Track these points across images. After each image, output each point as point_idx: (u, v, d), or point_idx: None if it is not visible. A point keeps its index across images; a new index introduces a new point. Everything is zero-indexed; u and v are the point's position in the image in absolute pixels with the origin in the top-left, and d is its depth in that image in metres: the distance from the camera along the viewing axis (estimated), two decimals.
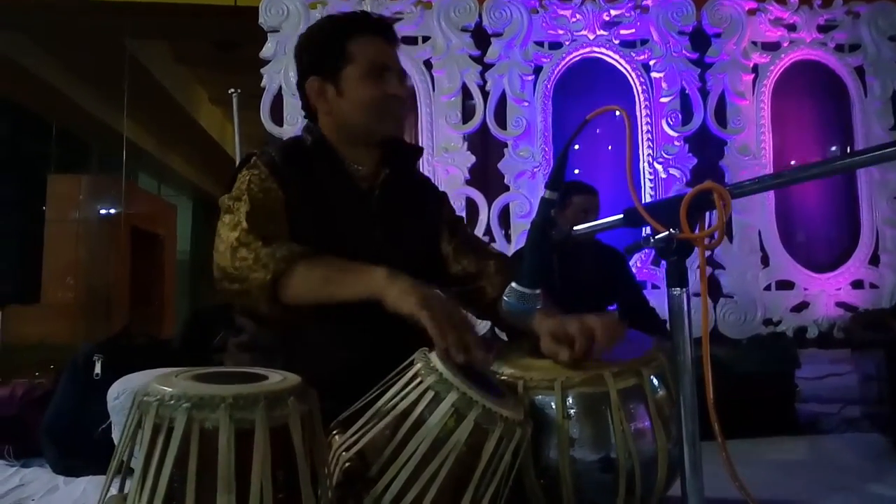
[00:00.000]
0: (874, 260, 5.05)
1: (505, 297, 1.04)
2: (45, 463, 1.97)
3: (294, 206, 1.34)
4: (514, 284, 1.04)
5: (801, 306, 5.02)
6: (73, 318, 8.19)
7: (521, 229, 4.86)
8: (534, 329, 1.22)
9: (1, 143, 6.31)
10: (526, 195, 4.88)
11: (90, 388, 1.89)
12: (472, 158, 4.97)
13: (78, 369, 1.98)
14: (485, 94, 5.02)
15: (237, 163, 4.12)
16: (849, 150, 5.30)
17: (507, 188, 4.94)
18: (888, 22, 5.23)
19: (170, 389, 0.75)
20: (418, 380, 0.98)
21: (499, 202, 4.92)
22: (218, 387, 0.77)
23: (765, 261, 5.04)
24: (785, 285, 5.05)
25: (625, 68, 5.15)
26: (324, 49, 1.39)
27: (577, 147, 5.39)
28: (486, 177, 5.02)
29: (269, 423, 0.75)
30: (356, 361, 1.17)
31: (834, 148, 5.45)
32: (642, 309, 2.97)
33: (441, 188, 5.04)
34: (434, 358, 1.02)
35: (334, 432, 1.02)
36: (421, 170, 5.00)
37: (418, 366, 1.01)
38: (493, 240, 4.91)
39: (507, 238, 4.90)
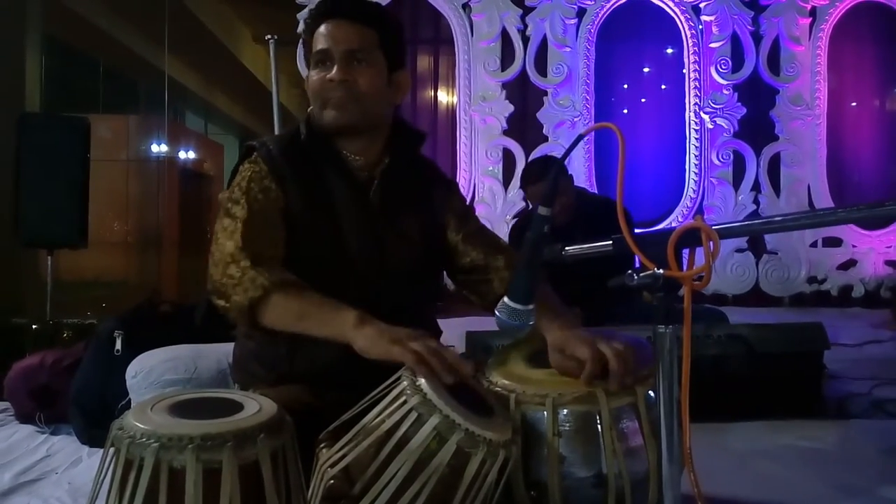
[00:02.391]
0: None
1: (497, 312, 1.02)
2: (72, 431, 2.07)
3: (293, 204, 1.32)
4: (506, 300, 1.01)
5: (848, 264, 4.85)
6: (124, 256, 8.49)
7: None
8: (541, 332, 1.20)
9: (50, 83, 6.42)
10: (564, 146, 4.77)
11: (112, 364, 1.96)
12: (511, 107, 4.86)
13: (101, 344, 2.05)
14: (525, 40, 4.86)
15: (274, 113, 4.13)
16: None
17: (545, 139, 4.83)
18: None
19: (141, 426, 0.77)
20: (402, 399, 0.98)
21: (536, 153, 4.82)
22: (188, 423, 0.78)
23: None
24: (832, 242, 4.88)
25: (673, 11, 4.90)
26: (305, 41, 1.37)
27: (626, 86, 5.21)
28: (525, 127, 4.91)
29: (237, 462, 0.76)
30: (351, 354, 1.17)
31: (893, 90, 5.13)
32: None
33: (477, 139, 4.98)
34: (420, 377, 1.01)
35: (321, 446, 1.03)
36: (457, 120, 4.93)
37: (404, 384, 1.00)
38: None
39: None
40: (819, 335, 2.14)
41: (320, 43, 1.33)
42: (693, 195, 4.91)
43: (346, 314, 1.16)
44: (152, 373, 1.84)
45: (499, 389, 1.12)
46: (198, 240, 9.26)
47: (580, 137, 0.98)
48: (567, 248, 0.96)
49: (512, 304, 1.01)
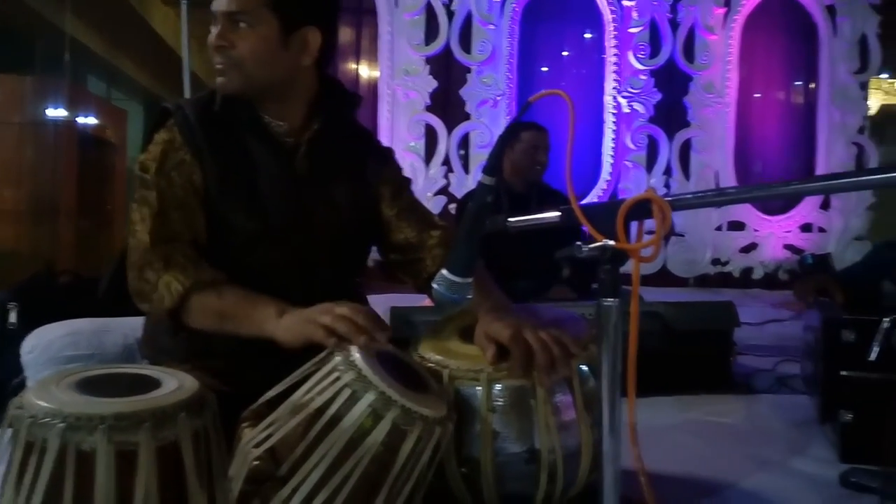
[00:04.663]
0: (825, 204, 5.12)
1: (434, 285, 0.98)
2: None
3: (211, 175, 1.24)
4: (444, 272, 0.97)
5: (750, 247, 5.10)
6: (17, 225, 7.91)
7: (480, 160, 4.75)
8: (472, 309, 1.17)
9: None
10: (487, 125, 4.76)
11: (5, 338, 1.81)
12: (434, 83, 4.80)
13: None
14: (450, 15, 4.80)
15: (185, 79, 3.89)
16: (812, 86, 5.25)
17: (468, 116, 4.81)
18: None
19: (45, 405, 0.68)
20: (335, 375, 0.93)
21: (459, 130, 4.80)
22: (99, 402, 0.70)
23: (726, 204, 5.07)
24: (736, 226, 5.11)
25: None
26: None
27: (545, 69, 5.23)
28: (447, 103, 4.87)
29: (155, 444, 0.69)
30: None
31: (799, 83, 5.39)
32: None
33: (399, 113, 4.88)
34: (354, 351, 0.96)
35: (244, 425, 0.97)
36: (379, 93, 4.83)
37: (337, 359, 0.95)
38: (451, 170, 4.82)
39: (466, 169, 4.80)
40: (730, 313, 2.22)
41: (213, 2, 1.25)
42: (609, 178, 5.03)
43: (265, 309, 1.12)
44: (50, 348, 1.71)
45: (432, 365, 1.09)
46: (98, 209, 8.75)
47: (528, 104, 0.94)
48: (511, 219, 0.93)
49: (450, 277, 0.97)
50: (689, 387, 2.12)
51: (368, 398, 0.90)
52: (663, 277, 5.02)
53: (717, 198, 0.77)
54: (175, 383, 0.77)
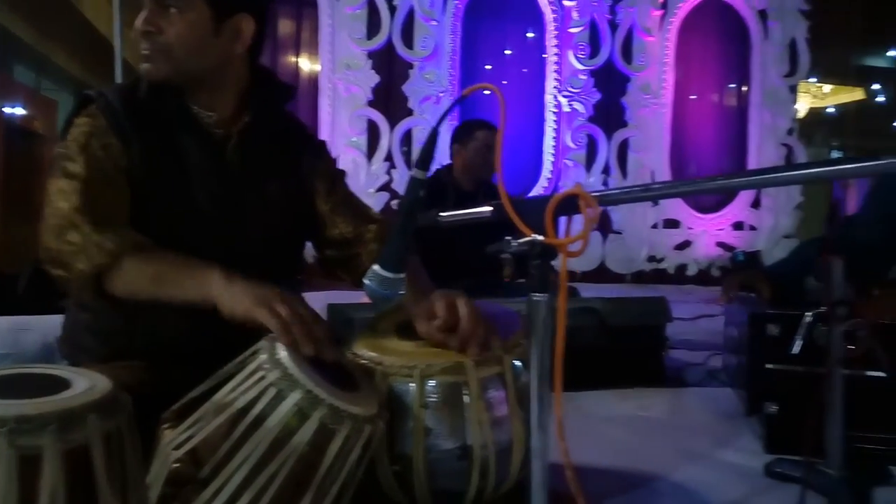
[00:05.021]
0: (756, 203, 5.31)
1: (366, 281, 0.96)
2: None
3: (137, 164, 1.18)
4: (376, 267, 0.95)
5: (684, 245, 5.25)
6: None
7: None
8: (406, 305, 1.15)
9: None
10: (430, 121, 4.75)
11: None
12: (376, 78, 4.76)
13: None
14: (392, 10, 4.76)
15: (117, 69, 3.73)
16: (744, 89, 5.42)
17: (410, 112, 4.79)
18: None
19: None
20: (260, 374, 0.90)
21: (401, 126, 4.78)
22: (1, 403, 0.66)
23: (654, 199, 5.20)
24: (671, 224, 5.25)
25: None
26: None
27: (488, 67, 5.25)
28: (390, 99, 4.84)
29: (61, 448, 0.65)
30: (209, 324, 1.06)
31: (732, 85, 5.56)
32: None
33: (340, 108, 4.81)
34: (280, 349, 0.93)
35: (164, 426, 0.93)
36: (320, 87, 4.76)
37: (262, 357, 0.92)
38: (393, 166, 4.79)
39: (408, 165, 4.78)
40: (662, 309, 2.27)
41: None
42: (550, 176, 5.09)
43: (210, 272, 1.05)
44: None
45: (365, 362, 1.07)
46: (24, 204, 8.36)
47: (461, 98, 0.93)
48: (442, 213, 0.92)
49: (382, 273, 0.95)
50: (623, 381, 2.16)
51: (294, 397, 0.87)
52: (602, 274, 5.12)
53: (642, 193, 0.78)
54: (87, 383, 0.73)
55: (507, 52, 5.33)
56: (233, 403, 0.89)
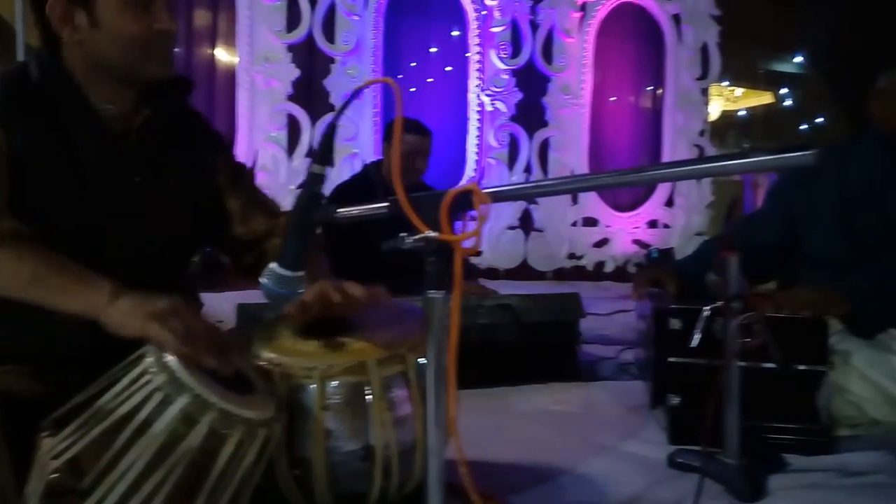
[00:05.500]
0: (670, 202, 5.50)
1: (262, 280, 0.93)
2: None
3: (23, 155, 1.10)
4: (273, 265, 0.93)
5: (602, 242, 5.38)
6: None
7: (346, 152, 4.67)
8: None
9: None
10: (353, 117, 4.68)
11: None
12: (297, 72, 4.66)
13: None
14: (312, 2, 4.67)
15: (19, 49, 3.50)
16: (659, 91, 5.59)
17: (332, 107, 4.71)
18: None
19: None
20: (146, 378, 0.86)
21: (323, 122, 4.69)
22: None
23: (574, 198, 5.31)
24: (590, 222, 5.38)
25: None
26: None
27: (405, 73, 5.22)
28: (311, 93, 4.74)
29: None
30: (100, 326, 1.00)
31: (648, 87, 5.72)
32: None
33: (260, 102, 4.67)
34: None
35: (44, 435, 0.88)
36: (238, 80, 4.62)
37: (148, 360, 0.88)
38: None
39: (331, 163, 4.71)
40: (575, 305, 2.31)
41: None
42: (473, 174, 5.11)
43: (97, 285, 0.99)
44: None
45: (263, 363, 1.04)
46: None
47: (356, 92, 0.92)
48: (340, 209, 0.90)
49: (280, 271, 0.92)
50: (538, 376, 2.19)
51: (181, 402, 0.84)
52: (524, 271, 5.19)
53: (532, 189, 0.78)
54: None
55: (433, 49, 5.32)
56: (116, 409, 0.85)
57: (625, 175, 0.73)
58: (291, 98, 4.64)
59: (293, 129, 4.64)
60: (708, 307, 1.38)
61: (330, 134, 0.91)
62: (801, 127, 10.14)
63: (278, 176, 4.53)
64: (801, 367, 1.55)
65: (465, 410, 1.79)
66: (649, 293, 2.01)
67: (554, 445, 1.59)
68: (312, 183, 0.91)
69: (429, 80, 5.25)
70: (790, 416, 1.54)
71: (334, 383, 1.01)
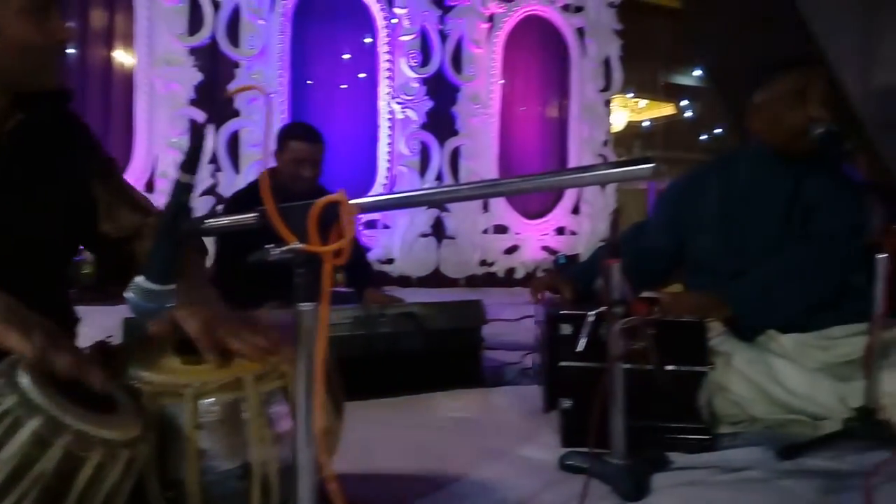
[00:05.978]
0: (576, 210, 5.66)
1: (127, 294, 0.89)
2: None
3: None
4: (139, 279, 0.88)
5: (513, 249, 5.49)
6: None
7: (252, 159, 4.58)
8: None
9: None
10: (259, 122, 4.59)
11: None
12: (199, 76, 4.53)
13: None
14: (216, 6, 4.56)
15: None
16: (565, 102, 5.75)
17: (237, 113, 4.61)
18: None
19: None
20: None
21: (227, 128, 4.58)
22: None
23: (485, 206, 5.39)
24: (500, 229, 5.48)
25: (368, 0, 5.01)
26: None
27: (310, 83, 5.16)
28: (214, 98, 4.63)
29: None
30: None
31: (554, 98, 5.87)
32: (359, 261, 2.94)
33: (159, 106, 4.52)
34: (21, 371, 0.84)
35: None
36: (136, 83, 4.45)
37: None
38: (219, 169, 4.58)
39: (236, 168, 4.60)
40: (478, 311, 2.33)
41: None
42: (385, 181, 5.11)
43: None
44: None
45: (133, 382, 0.99)
46: None
47: (229, 97, 0.89)
48: (208, 220, 0.87)
49: (146, 284, 0.88)
50: (443, 383, 2.20)
51: (33, 424, 0.78)
52: (436, 279, 5.22)
53: (405, 200, 0.78)
54: None
55: (346, 56, 5.29)
56: None
57: (478, 189, 0.74)
58: (193, 102, 4.51)
59: (195, 134, 4.51)
60: (593, 312, 1.42)
61: (198, 142, 0.88)
62: (701, 137, 10.64)
63: None
64: (683, 369, 1.61)
65: (363, 421, 1.77)
66: (546, 299, 2.05)
67: (450, 453, 1.59)
68: (180, 192, 0.87)
69: (342, 86, 5.22)
70: (674, 416, 1.60)
71: (209, 401, 0.98)
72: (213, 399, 0.98)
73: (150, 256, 0.90)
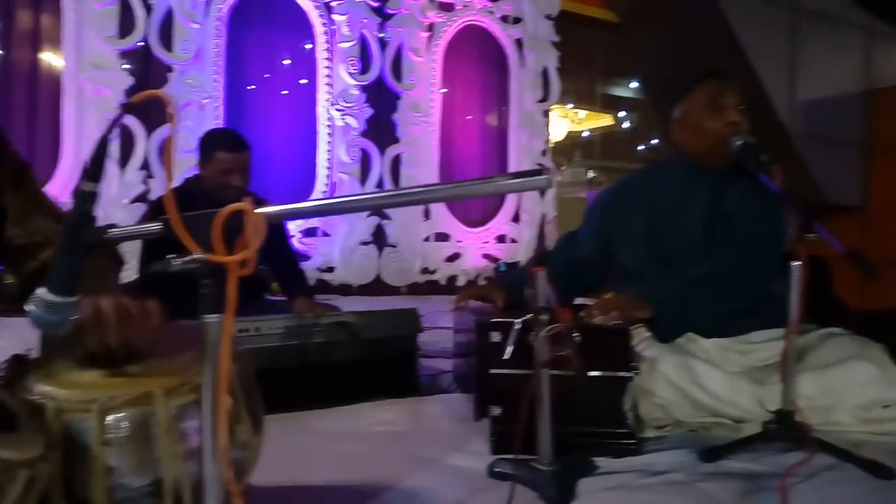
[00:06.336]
0: (516, 218, 5.72)
1: (29, 307, 0.85)
2: None
3: None
4: (41, 291, 0.85)
5: (455, 257, 5.50)
6: None
7: (186, 164, 4.45)
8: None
9: None
10: (193, 128, 4.48)
11: None
12: (130, 80, 4.40)
13: None
14: (148, 8, 4.44)
15: None
16: (505, 111, 5.80)
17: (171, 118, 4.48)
18: (546, 0, 5.80)
19: None
20: None
21: (160, 133, 4.45)
22: None
23: (426, 214, 5.39)
24: (442, 237, 5.49)
25: (307, 4, 4.96)
26: None
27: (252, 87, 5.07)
28: (146, 103, 4.47)
29: None
30: None
31: (494, 107, 5.92)
32: (292, 269, 2.90)
33: (89, 111, 4.37)
34: None
35: None
36: (63, 87, 4.29)
37: None
38: (150, 175, 4.45)
39: (169, 175, 4.47)
40: (413, 320, 2.33)
41: None
42: (325, 189, 5.06)
43: None
44: None
45: (36, 398, 0.95)
46: None
47: (128, 106, 0.87)
48: (111, 228, 0.84)
49: (47, 297, 0.85)
50: (377, 392, 2.18)
51: None
52: (378, 287, 5.19)
53: (308, 208, 0.77)
54: None
55: (286, 62, 5.22)
56: None
57: (382, 199, 0.74)
58: (124, 107, 4.37)
59: (126, 140, 4.37)
60: (519, 320, 1.43)
61: (101, 150, 0.85)
62: (639, 147, 10.91)
63: (109, 189, 4.25)
64: (608, 374, 1.64)
65: (293, 432, 1.74)
66: (471, 308, 2.07)
67: (379, 463, 1.58)
68: (82, 201, 0.85)
69: (284, 91, 5.14)
70: (600, 421, 1.63)
71: (117, 416, 0.94)
72: (122, 414, 0.95)
73: (52, 267, 0.87)
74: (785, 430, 1.59)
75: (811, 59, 6.09)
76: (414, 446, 1.68)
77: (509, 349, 1.42)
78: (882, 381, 1.73)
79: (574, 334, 1.52)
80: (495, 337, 1.60)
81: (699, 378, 1.76)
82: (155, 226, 0.81)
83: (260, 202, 2.52)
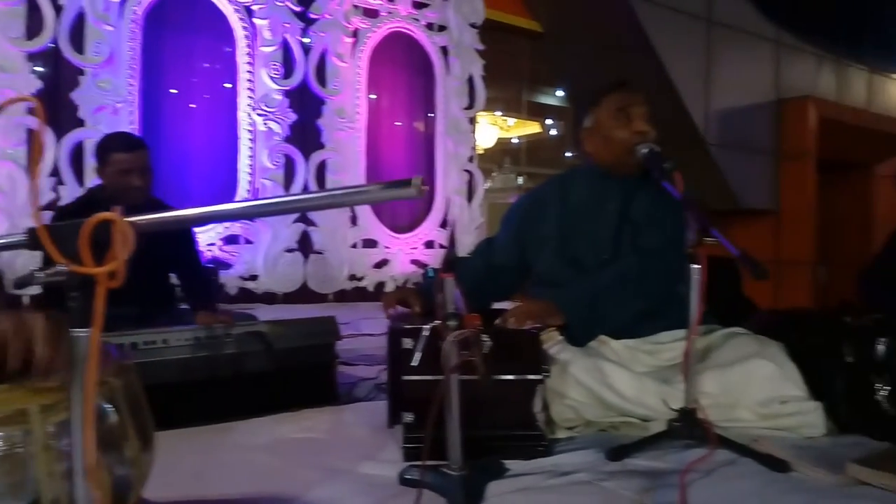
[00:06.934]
0: (444, 224, 5.75)
1: None
2: None
3: None
4: None
5: (382, 263, 5.48)
6: None
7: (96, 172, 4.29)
8: None
9: None
10: (105, 131, 4.32)
11: None
12: (38, 83, 4.21)
13: None
14: (57, 9, 4.26)
15: None
16: (431, 117, 5.82)
17: (81, 122, 4.31)
18: (471, 9, 5.86)
19: None
20: None
21: (70, 138, 4.28)
22: None
23: (353, 220, 5.35)
24: (369, 243, 5.46)
25: (226, 8, 4.86)
26: None
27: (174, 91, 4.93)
28: (56, 107, 4.31)
29: None
30: None
31: (421, 114, 5.94)
32: (200, 279, 2.81)
33: None
34: None
35: None
36: None
37: None
38: (61, 182, 4.27)
39: (80, 181, 4.29)
40: (331, 328, 2.30)
41: None
42: (247, 195, 4.96)
43: None
44: None
45: None
46: None
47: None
48: None
49: None
50: (294, 402, 2.14)
51: None
52: (304, 294, 5.12)
53: (185, 216, 0.75)
54: None
55: (206, 65, 5.10)
56: None
57: (251, 208, 0.73)
58: (32, 112, 4.18)
59: (32, 146, 4.17)
60: (427, 326, 1.43)
61: None
62: (566, 154, 11.13)
63: (16, 197, 4.05)
64: (518, 378, 1.66)
65: (200, 446, 1.69)
66: (396, 313, 2.06)
67: (289, 474, 1.55)
68: None
69: (206, 96, 5.02)
70: (510, 423, 1.65)
71: None
72: None
73: None
74: (688, 427, 1.64)
75: (725, 70, 6.36)
76: (327, 456, 1.65)
77: (417, 355, 1.42)
78: (780, 378, 1.81)
79: (483, 338, 1.53)
80: (407, 343, 1.60)
81: (608, 378, 1.80)
82: (19, 236, 0.77)
83: (166, 208, 2.44)
